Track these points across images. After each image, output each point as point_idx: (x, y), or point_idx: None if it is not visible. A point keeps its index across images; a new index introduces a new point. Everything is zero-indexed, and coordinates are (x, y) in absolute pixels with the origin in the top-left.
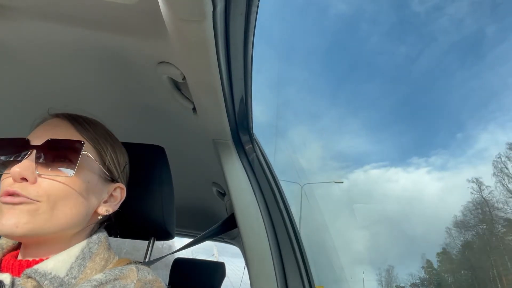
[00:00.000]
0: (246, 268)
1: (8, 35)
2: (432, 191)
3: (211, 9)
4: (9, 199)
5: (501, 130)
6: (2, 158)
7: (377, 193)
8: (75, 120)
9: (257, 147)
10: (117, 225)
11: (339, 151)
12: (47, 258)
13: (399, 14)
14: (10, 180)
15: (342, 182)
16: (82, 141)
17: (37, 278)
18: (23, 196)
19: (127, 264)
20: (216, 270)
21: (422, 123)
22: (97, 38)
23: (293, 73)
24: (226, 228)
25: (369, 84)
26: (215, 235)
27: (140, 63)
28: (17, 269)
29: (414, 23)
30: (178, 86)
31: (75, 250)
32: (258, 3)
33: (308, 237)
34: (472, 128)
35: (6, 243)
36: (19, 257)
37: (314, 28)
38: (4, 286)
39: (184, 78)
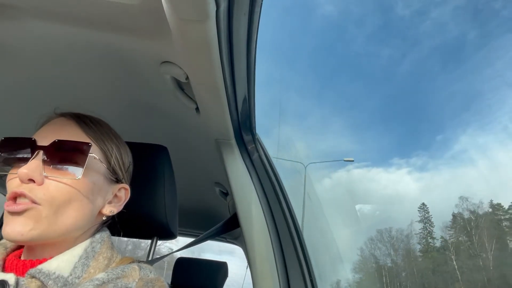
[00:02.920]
0: (248, 267)
1: (10, 35)
2: (411, 191)
3: (214, 9)
4: (13, 208)
5: (480, 132)
6: (8, 157)
7: (360, 192)
8: (81, 120)
9: (260, 147)
10: (120, 224)
11: (323, 150)
12: (51, 258)
13: (384, 17)
14: (17, 181)
15: (353, 160)
16: (89, 143)
17: (41, 278)
18: (29, 198)
19: (130, 263)
20: (218, 270)
21: (404, 124)
22: (100, 38)
23: (280, 73)
24: (228, 227)
25: (353, 85)
26: (217, 235)
27: (143, 63)
28: (21, 269)
29: (399, 26)
30: (181, 86)
31: (79, 249)
32: (261, 3)
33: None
34: (451, 131)
35: (10, 243)
36: (23, 257)
37: (300, 28)
38: (8, 286)
39: (187, 78)
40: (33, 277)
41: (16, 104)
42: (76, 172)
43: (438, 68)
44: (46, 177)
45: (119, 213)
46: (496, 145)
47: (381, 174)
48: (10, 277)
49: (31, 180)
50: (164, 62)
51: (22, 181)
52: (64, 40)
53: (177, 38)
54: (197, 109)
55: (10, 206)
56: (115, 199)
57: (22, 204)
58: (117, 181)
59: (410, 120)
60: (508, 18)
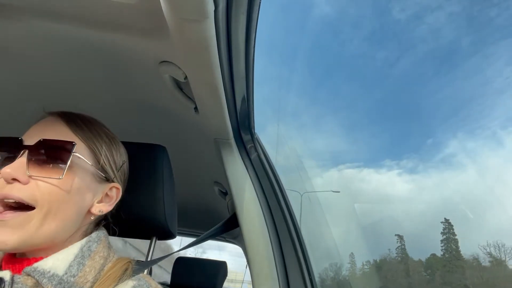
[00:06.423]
0: (247, 267)
1: (8, 34)
2: (401, 192)
3: (213, 8)
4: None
5: (469, 136)
6: None
7: (352, 191)
8: (70, 118)
9: (259, 146)
10: (119, 224)
11: (316, 149)
12: (47, 256)
13: (381, 20)
14: (2, 181)
15: (339, 192)
16: (73, 142)
17: (35, 276)
18: (16, 198)
19: (127, 263)
20: (218, 269)
21: (396, 126)
22: (99, 37)
23: (274, 71)
24: (228, 227)
25: (348, 85)
26: (217, 235)
27: (142, 63)
28: (18, 267)
29: (395, 29)
30: (180, 86)
31: (75, 248)
32: (260, 3)
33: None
34: (442, 134)
35: None
36: (18, 255)
37: (298, 27)
38: (4, 282)
39: (186, 78)
40: (28, 275)
41: (15, 103)
42: (60, 171)
43: (431, 72)
44: (30, 176)
45: (117, 213)
46: (485, 150)
47: (372, 175)
48: (5, 274)
49: (16, 180)
50: (163, 61)
51: (6, 181)
52: (62, 39)
53: (175, 38)
54: (196, 108)
55: None
56: (106, 199)
57: (9, 214)
58: (108, 180)
59: (402, 122)
60: (501, 25)
